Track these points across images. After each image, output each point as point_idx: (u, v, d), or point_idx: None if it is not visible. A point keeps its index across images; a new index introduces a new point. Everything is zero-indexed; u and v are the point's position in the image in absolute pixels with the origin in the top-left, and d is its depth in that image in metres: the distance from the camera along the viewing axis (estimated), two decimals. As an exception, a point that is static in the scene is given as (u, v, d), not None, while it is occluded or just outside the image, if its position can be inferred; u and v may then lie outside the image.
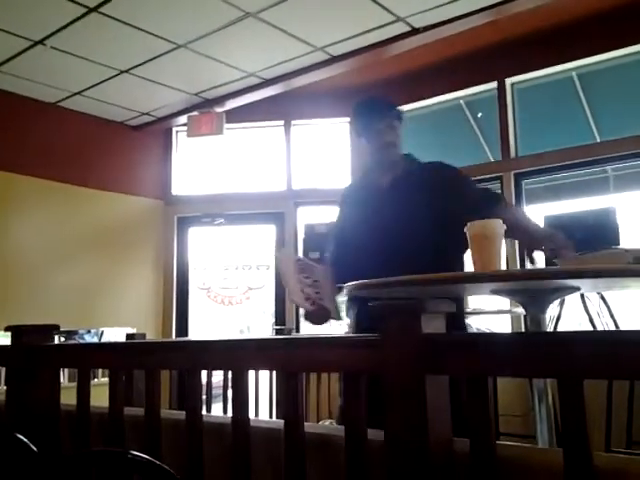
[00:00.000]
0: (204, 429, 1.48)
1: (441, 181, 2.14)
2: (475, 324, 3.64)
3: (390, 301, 1.18)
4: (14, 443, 1.52)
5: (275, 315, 5.61)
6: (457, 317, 1.92)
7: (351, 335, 1.77)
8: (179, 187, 6.00)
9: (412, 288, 1.50)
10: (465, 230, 1.63)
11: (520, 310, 3.06)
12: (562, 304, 3.60)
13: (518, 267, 4.49)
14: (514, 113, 5.03)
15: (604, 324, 3.54)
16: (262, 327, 5.82)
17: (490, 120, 5.18)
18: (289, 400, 1.31)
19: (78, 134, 5.39)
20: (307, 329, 5.57)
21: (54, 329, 1.99)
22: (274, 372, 3.01)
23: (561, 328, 3.57)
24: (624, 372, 1.00)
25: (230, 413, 1.42)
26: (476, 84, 5.18)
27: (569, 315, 3.67)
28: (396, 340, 1.13)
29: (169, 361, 1.58)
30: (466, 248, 1.64)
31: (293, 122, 5.77)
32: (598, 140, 4.65)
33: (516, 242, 4.58)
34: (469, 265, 1.72)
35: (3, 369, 2.44)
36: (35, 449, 1.49)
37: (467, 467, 1.08)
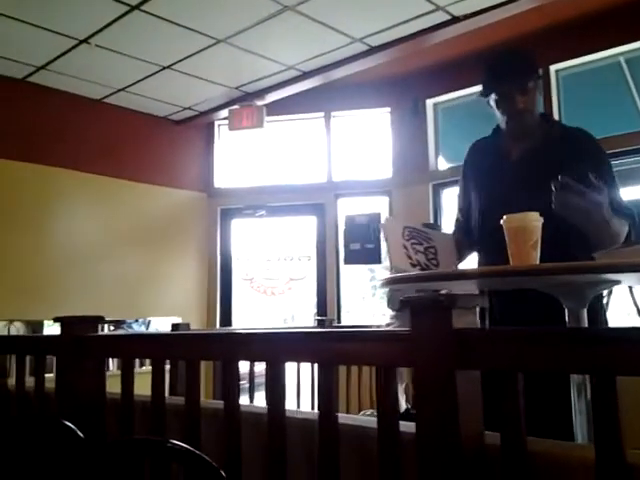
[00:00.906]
0: (242, 419, 1.52)
1: (582, 155, 1.87)
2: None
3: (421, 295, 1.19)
4: (62, 430, 1.59)
5: (317, 306, 5.66)
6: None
7: (384, 329, 1.77)
8: (221, 180, 6.09)
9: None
10: (501, 222, 1.61)
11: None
12: (610, 294, 3.51)
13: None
14: (559, 100, 4.91)
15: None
16: (305, 317, 5.87)
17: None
18: (323, 391, 1.33)
19: (123, 129, 5.52)
20: (348, 320, 5.60)
21: (99, 320, 2.06)
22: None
23: (609, 318, 3.48)
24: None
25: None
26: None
27: (618, 304, 3.57)
28: (427, 335, 1.14)
29: (207, 352, 1.63)
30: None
31: (333, 114, 5.77)
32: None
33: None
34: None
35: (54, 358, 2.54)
36: (82, 435, 1.56)
37: (499, 461, 1.08)
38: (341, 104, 5.68)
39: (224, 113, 5.55)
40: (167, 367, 2.81)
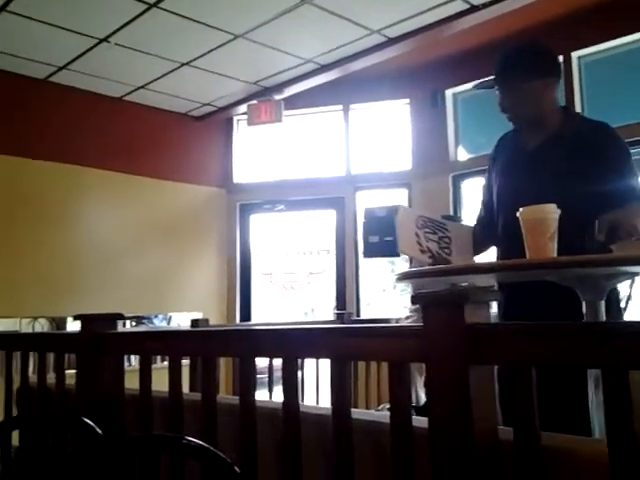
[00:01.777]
0: (258, 414, 1.52)
1: (594, 150, 1.85)
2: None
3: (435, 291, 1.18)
4: (82, 426, 1.61)
5: (336, 299, 5.66)
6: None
7: (397, 325, 1.76)
8: (240, 175, 6.11)
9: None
10: (518, 215, 1.60)
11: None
12: (632, 284, 3.45)
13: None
14: (581, 87, 4.83)
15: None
16: (325, 310, 5.88)
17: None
18: (336, 387, 1.33)
19: (143, 126, 5.57)
20: (368, 313, 5.59)
21: (118, 317, 2.08)
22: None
23: (632, 309, 3.43)
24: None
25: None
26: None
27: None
28: (439, 330, 1.13)
29: (223, 348, 1.63)
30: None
31: (351, 106, 5.75)
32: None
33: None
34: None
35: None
36: (100, 432, 1.58)
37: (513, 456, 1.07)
38: (359, 96, 5.65)
39: (243, 108, 5.56)
40: (187, 362, 2.84)
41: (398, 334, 1.26)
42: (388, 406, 3.24)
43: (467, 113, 5.44)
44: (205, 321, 3.50)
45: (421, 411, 2.20)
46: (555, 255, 1.56)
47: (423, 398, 2.90)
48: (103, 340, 1.96)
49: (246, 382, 1.50)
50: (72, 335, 2.14)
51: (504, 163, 2.10)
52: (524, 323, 1.08)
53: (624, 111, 4.62)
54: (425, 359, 1.16)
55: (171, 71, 4.88)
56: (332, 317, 4.26)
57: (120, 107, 5.43)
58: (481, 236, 2.13)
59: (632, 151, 1.98)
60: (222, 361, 3.32)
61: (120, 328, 5.50)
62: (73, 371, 2.12)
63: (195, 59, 4.68)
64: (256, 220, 6.09)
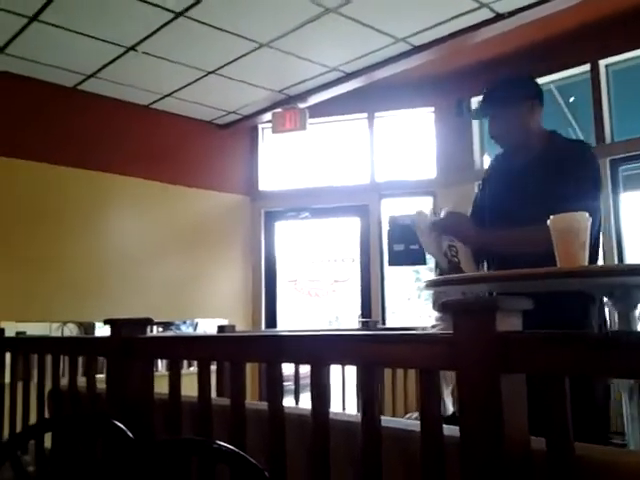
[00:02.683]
0: (286, 420, 1.53)
1: (567, 169, 1.96)
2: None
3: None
4: (112, 429, 1.63)
5: (361, 307, 5.65)
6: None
7: (427, 332, 1.76)
8: (265, 183, 6.14)
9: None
10: (548, 223, 1.59)
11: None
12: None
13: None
14: (609, 96, 4.78)
15: None
16: (349, 318, 5.88)
17: (583, 104, 4.95)
18: (365, 394, 1.33)
19: (169, 134, 5.64)
20: (393, 322, 5.58)
21: (148, 322, 2.11)
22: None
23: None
24: None
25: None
26: (568, 67, 4.96)
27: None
28: (469, 338, 1.12)
29: (251, 354, 1.65)
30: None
31: (376, 114, 5.76)
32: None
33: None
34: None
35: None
36: (131, 435, 1.60)
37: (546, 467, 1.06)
38: (384, 104, 5.66)
39: (268, 116, 5.60)
40: (214, 367, 2.86)
41: (428, 341, 1.26)
42: (416, 415, 3.24)
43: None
44: (231, 327, 3.52)
45: (448, 421, 2.19)
46: (586, 264, 1.55)
47: (450, 408, 2.88)
48: (133, 344, 1.99)
49: (274, 387, 1.51)
50: (102, 339, 2.17)
51: (494, 182, 2.20)
52: (557, 332, 1.07)
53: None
54: (455, 367, 1.16)
55: (197, 79, 4.94)
56: (357, 325, 4.26)
57: (146, 115, 5.51)
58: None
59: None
60: (247, 367, 3.33)
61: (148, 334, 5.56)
62: (103, 375, 2.16)
63: (221, 67, 4.74)
64: (281, 227, 6.12)
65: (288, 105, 5.34)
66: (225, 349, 1.69)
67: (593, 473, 1.05)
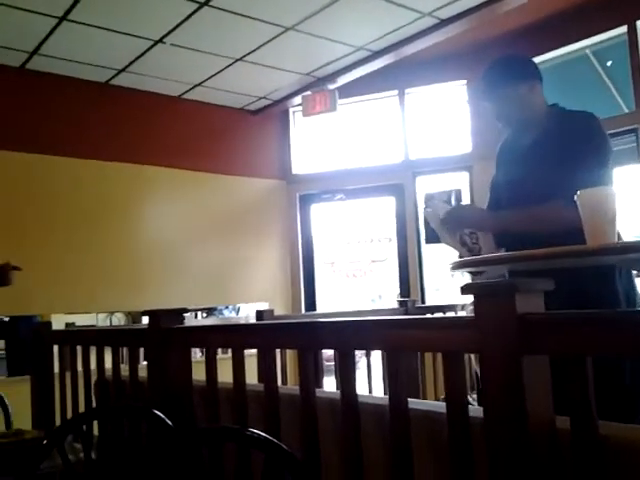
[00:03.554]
0: (319, 404, 1.56)
1: (572, 137, 1.95)
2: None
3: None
4: (153, 418, 1.70)
5: (400, 286, 5.65)
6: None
7: (450, 316, 1.76)
8: (299, 166, 6.16)
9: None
10: (575, 199, 1.56)
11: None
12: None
13: None
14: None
15: None
16: (390, 297, 5.88)
17: (622, 68, 4.78)
18: (392, 377, 1.35)
19: (202, 123, 5.70)
20: (434, 299, 5.55)
21: (183, 311, 2.17)
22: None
23: None
24: None
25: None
26: (603, 30, 4.79)
27: None
28: (491, 321, 1.13)
29: (281, 341, 1.68)
30: None
31: (407, 91, 5.69)
32: None
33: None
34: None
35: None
36: (170, 423, 1.66)
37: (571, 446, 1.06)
38: (414, 80, 5.58)
39: (298, 100, 5.60)
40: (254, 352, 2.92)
41: (450, 325, 1.27)
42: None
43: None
44: (270, 312, 3.57)
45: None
46: (616, 239, 1.52)
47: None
48: (170, 334, 2.05)
49: (305, 374, 1.54)
50: (141, 330, 2.24)
51: (505, 164, 2.21)
52: (578, 312, 1.06)
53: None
54: (478, 350, 1.16)
55: (225, 67, 4.97)
56: (395, 305, 4.26)
57: (179, 105, 5.58)
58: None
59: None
60: (289, 350, 3.37)
61: (192, 320, 5.68)
62: (145, 363, 2.23)
63: (248, 54, 4.75)
64: (316, 210, 6.14)
65: (317, 87, 5.33)
66: (257, 337, 1.73)
67: (619, 452, 1.05)
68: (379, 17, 4.28)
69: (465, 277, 2.19)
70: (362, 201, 6.03)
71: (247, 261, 5.82)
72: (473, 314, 1.18)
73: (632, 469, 1.04)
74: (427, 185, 5.56)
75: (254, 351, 1.89)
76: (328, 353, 3.87)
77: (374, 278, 5.96)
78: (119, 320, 5.14)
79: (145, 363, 2.25)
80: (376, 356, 3.53)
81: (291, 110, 6.15)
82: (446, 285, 5.85)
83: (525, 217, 1.90)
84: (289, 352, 3.56)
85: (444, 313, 3.89)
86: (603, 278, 1.80)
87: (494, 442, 1.12)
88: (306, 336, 1.56)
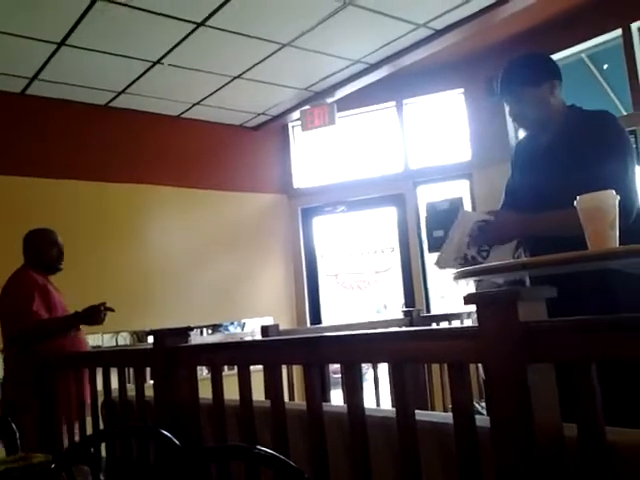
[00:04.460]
0: (327, 419, 1.55)
1: (592, 140, 1.90)
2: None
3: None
4: (160, 438, 1.69)
5: (404, 296, 5.63)
6: None
7: (453, 327, 1.76)
8: (300, 180, 6.18)
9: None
10: (575, 204, 1.56)
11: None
12: None
13: None
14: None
15: None
16: (394, 307, 5.87)
17: (618, 71, 4.80)
18: (398, 390, 1.34)
19: (202, 141, 5.73)
20: (439, 308, 5.53)
21: (188, 330, 2.17)
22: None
23: None
24: None
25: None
26: (598, 34, 4.81)
27: None
28: (493, 330, 1.12)
29: (285, 357, 1.68)
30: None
31: (405, 101, 5.71)
32: None
33: None
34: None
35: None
36: (177, 443, 1.65)
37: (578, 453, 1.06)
38: (412, 91, 5.61)
39: (297, 115, 5.63)
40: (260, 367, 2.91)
41: (454, 335, 1.26)
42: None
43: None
44: (275, 327, 3.55)
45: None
46: (617, 243, 1.52)
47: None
48: (175, 354, 2.05)
49: (311, 390, 1.54)
50: (146, 351, 2.24)
51: (522, 166, 2.16)
52: (580, 318, 1.06)
53: None
54: (482, 359, 1.16)
55: (223, 85, 5.01)
56: (400, 315, 4.25)
57: (178, 125, 5.61)
58: None
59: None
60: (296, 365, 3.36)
61: (198, 337, 5.66)
62: (152, 382, 2.23)
63: (245, 71, 4.79)
64: (319, 223, 6.15)
65: (316, 101, 5.36)
66: (261, 354, 1.73)
67: (628, 458, 1.04)
68: (374, 30, 4.31)
69: (470, 286, 2.15)
70: (364, 212, 6.04)
71: (251, 276, 5.82)
72: (477, 324, 1.18)
73: (641, 475, 1.03)
74: (428, 194, 5.57)
75: (261, 366, 1.89)
76: (335, 365, 3.86)
77: (378, 289, 5.95)
78: (125, 339, 5.13)
79: (152, 382, 2.25)
80: (383, 368, 3.51)
81: (290, 125, 6.18)
82: (451, 292, 5.84)
83: (564, 219, 1.76)
84: (296, 366, 3.55)
85: (449, 322, 3.88)
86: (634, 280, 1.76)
87: (501, 452, 1.12)
88: (310, 351, 1.55)
